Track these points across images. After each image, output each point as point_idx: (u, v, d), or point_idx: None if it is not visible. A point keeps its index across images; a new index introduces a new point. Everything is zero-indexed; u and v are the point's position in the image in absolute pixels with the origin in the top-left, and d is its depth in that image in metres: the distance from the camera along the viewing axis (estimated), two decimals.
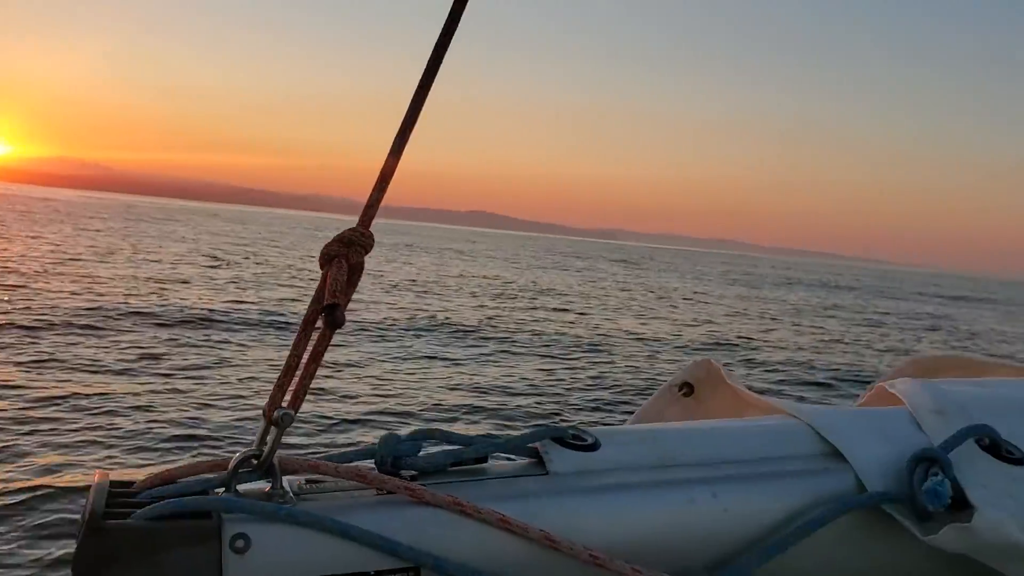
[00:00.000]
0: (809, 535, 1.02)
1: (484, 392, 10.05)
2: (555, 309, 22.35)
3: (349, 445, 6.69)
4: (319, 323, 0.95)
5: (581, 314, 21.30)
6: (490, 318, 18.54)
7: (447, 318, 17.65)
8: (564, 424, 1.10)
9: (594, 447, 1.06)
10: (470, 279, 33.96)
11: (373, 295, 21.19)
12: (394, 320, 16.48)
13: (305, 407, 5.21)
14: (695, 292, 36.80)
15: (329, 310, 0.92)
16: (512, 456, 1.06)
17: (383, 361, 11.49)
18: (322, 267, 0.97)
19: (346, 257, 0.97)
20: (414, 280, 28.47)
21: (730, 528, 1.03)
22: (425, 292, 24.40)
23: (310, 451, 6.56)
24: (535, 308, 21.90)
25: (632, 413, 1.57)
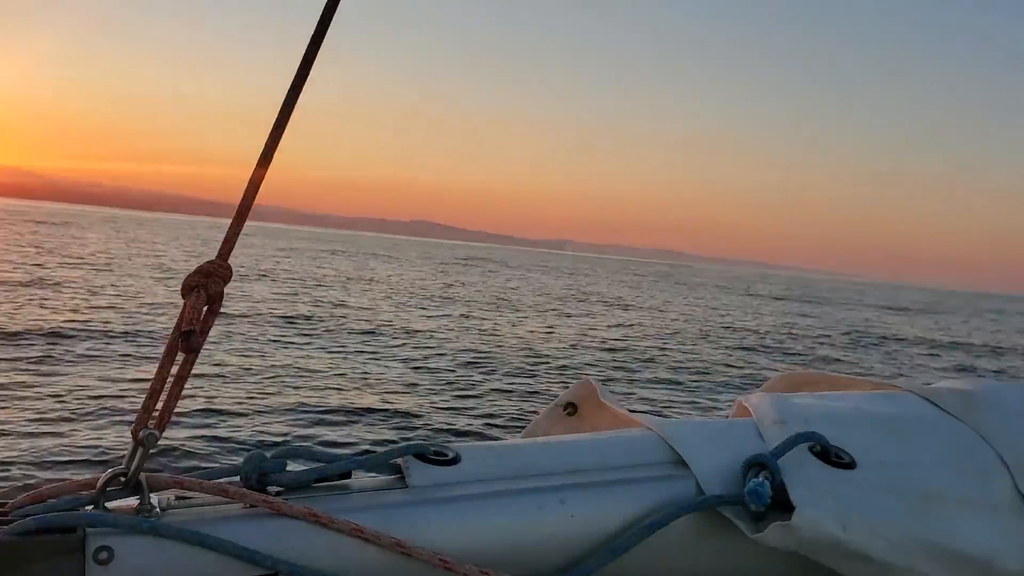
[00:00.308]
0: (649, 537, 1.09)
1: (361, 406, 10.03)
2: (460, 315, 22.36)
3: (218, 462, 7.22)
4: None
5: (469, 319, 21.42)
6: (384, 324, 18.40)
7: (338, 323, 17.32)
8: (427, 441, 1.14)
9: (454, 461, 1.12)
10: (378, 283, 33.87)
11: (263, 301, 21.08)
12: (274, 326, 16.14)
13: (180, 427, 7.83)
14: (619, 299, 37.13)
15: (186, 336, 0.99)
16: (375, 472, 1.11)
17: (258, 372, 11.47)
18: (183, 296, 1.03)
19: (205, 287, 1.04)
20: (309, 283, 28.38)
21: (576, 533, 1.09)
22: (322, 295, 24.26)
23: (181, 468, 6.74)
24: (436, 315, 21.75)
25: (521, 430, 1.62)
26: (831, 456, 1.18)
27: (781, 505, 1.10)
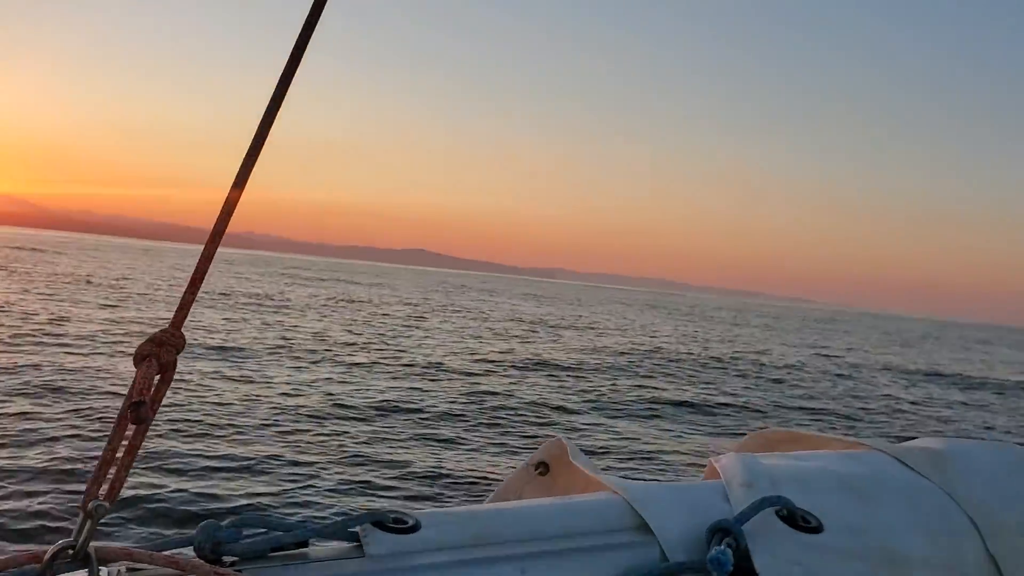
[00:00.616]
0: None
1: (320, 468, 9.69)
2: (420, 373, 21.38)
3: (171, 532, 7.00)
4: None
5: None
6: (348, 376, 17.43)
7: (298, 378, 16.25)
8: (386, 508, 1.12)
9: (414, 529, 1.09)
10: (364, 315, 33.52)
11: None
12: (230, 382, 15.06)
13: (132, 496, 7.36)
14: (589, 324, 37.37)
15: (135, 407, 0.98)
16: (333, 540, 1.09)
17: (213, 435, 10.85)
18: (135, 365, 1.03)
19: (157, 356, 1.04)
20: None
21: None
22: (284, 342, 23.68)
23: (132, 539, 6.86)
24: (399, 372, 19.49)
25: (492, 492, 1.61)
26: (798, 520, 1.16)
27: (746, 572, 1.09)
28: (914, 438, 1.54)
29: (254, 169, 1.08)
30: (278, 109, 1.08)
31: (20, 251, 63.21)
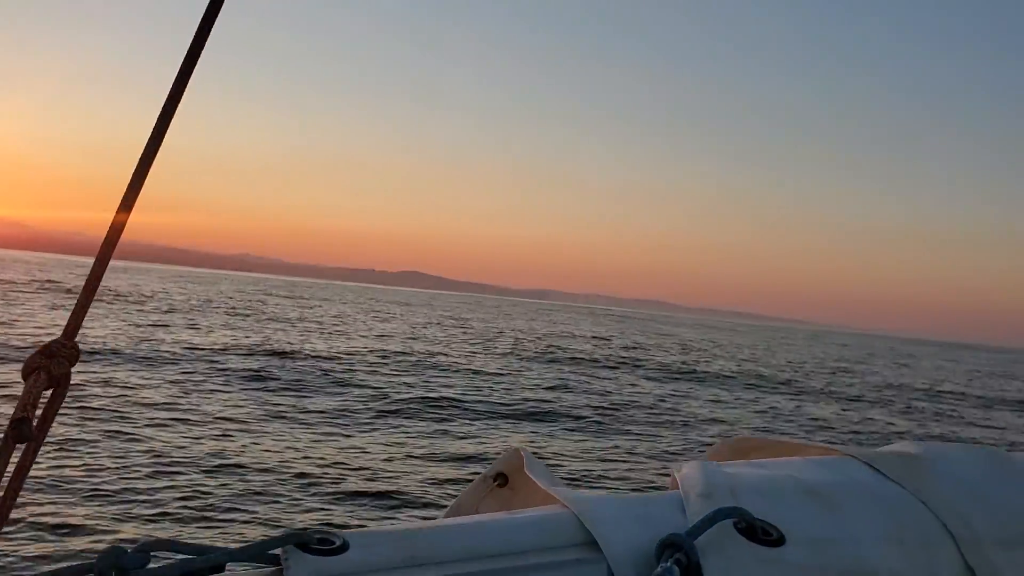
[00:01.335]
0: None
1: (241, 488, 9.25)
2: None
3: (72, 558, 6.53)
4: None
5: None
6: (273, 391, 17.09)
7: (217, 392, 15.82)
8: (312, 528, 1.00)
9: (341, 550, 0.98)
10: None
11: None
12: (140, 397, 14.44)
13: (25, 519, 7.66)
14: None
15: (17, 424, 0.90)
16: (251, 564, 0.98)
17: (118, 453, 10.32)
18: (24, 379, 0.97)
19: (47, 369, 0.97)
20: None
21: None
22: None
23: (27, 566, 6.39)
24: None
25: (447, 505, 1.51)
26: (757, 532, 1.05)
27: None
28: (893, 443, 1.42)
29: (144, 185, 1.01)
30: (167, 126, 1.05)
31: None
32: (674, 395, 23.03)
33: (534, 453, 1.42)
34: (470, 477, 8.06)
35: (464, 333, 43.62)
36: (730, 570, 1.00)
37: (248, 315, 39.65)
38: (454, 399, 17.90)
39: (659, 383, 25.93)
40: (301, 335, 30.40)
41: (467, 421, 15.75)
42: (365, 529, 1.05)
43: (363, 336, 33.87)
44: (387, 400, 16.88)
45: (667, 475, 1.22)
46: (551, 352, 33.57)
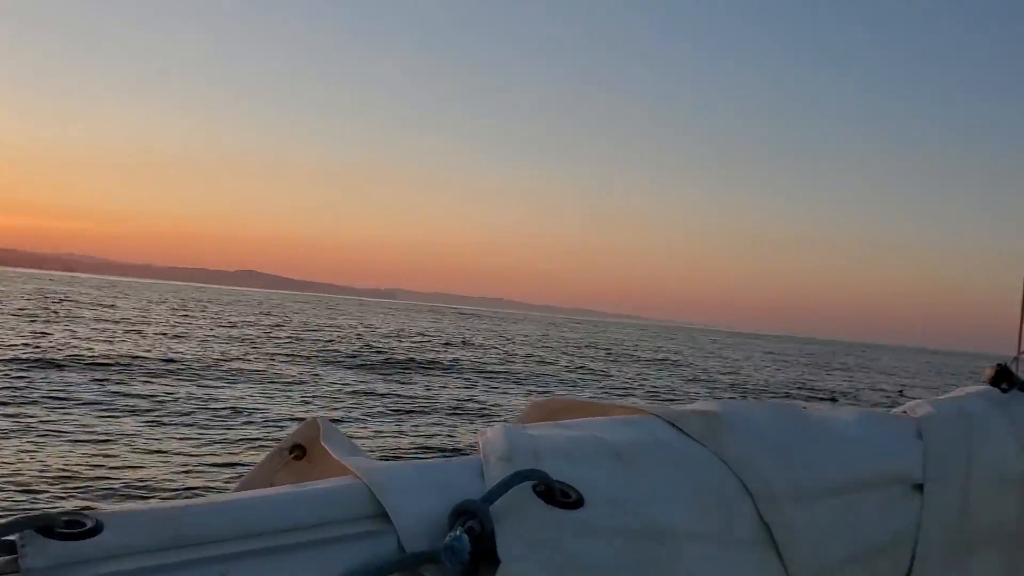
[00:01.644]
0: None
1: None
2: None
3: None
4: None
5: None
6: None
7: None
8: (59, 510, 0.91)
9: (93, 532, 0.85)
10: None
11: None
12: None
13: None
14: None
15: None
16: None
17: None
18: None
19: None
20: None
21: None
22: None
23: None
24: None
25: (239, 479, 1.42)
26: (556, 495, 1.01)
27: (494, 557, 0.92)
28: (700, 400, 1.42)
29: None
30: None
31: None
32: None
33: (333, 422, 1.36)
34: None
35: (283, 332, 41.96)
36: (525, 534, 0.96)
37: (36, 317, 36.70)
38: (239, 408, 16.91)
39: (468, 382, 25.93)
40: (82, 338, 28.27)
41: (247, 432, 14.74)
42: (123, 508, 0.93)
43: (158, 336, 31.84)
44: (159, 412, 16.07)
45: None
46: (361, 354, 32.75)
